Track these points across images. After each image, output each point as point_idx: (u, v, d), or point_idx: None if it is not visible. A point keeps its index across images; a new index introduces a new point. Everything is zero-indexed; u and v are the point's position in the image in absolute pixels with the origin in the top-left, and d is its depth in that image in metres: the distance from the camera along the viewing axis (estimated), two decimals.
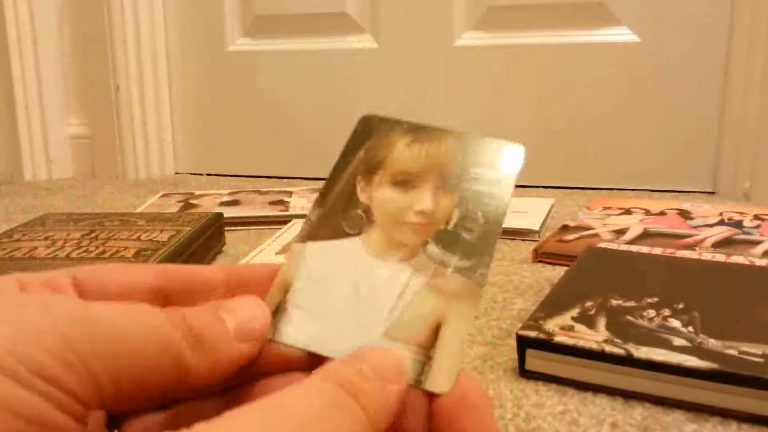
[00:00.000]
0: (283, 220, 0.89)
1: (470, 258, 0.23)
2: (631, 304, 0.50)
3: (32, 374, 0.16)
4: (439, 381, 0.21)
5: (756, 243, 0.71)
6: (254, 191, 1.08)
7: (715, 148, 1.09)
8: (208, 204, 0.98)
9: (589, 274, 0.57)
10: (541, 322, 0.48)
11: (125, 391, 0.18)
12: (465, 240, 0.24)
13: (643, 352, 0.43)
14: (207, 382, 0.20)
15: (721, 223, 0.79)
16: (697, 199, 1.01)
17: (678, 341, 0.44)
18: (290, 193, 1.04)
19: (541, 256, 0.73)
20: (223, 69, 1.31)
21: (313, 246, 0.25)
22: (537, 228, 0.83)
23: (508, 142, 0.25)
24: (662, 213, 0.84)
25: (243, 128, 1.32)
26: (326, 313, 0.23)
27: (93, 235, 0.69)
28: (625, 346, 0.44)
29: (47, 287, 0.21)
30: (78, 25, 1.32)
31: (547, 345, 0.46)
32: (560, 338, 0.45)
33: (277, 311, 0.24)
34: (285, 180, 1.26)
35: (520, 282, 0.66)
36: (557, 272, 0.67)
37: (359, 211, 0.25)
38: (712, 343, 0.44)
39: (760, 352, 0.42)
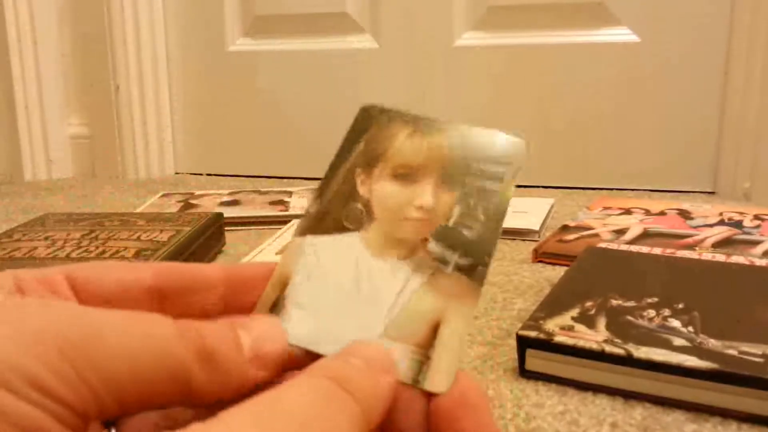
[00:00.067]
0: (283, 220, 0.89)
1: (470, 256, 0.23)
2: (631, 304, 0.50)
3: (27, 385, 0.16)
4: (437, 380, 0.21)
5: (756, 243, 0.71)
6: (254, 191, 1.08)
7: (715, 148, 1.09)
8: (208, 204, 0.98)
9: (589, 274, 0.57)
10: (541, 322, 0.48)
11: (126, 405, 0.18)
12: (465, 237, 0.23)
13: (643, 352, 0.43)
14: (215, 400, 0.19)
15: (721, 223, 0.79)
16: (697, 199, 1.01)
17: (678, 341, 0.44)
18: (290, 193, 1.04)
19: (541, 256, 0.73)
20: (223, 69, 1.31)
21: (312, 240, 0.25)
22: (537, 228, 0.83)
23: (511, 135, 0.24)
24: (662, 213, 0.84)
25: (243, 128, 1.32)
26: (324, 312, 0.23)
27: (93, 235, 0.69)
28: (625, 346, 0.44)
29: (42, 284, 0.21)
30: (78, 25, 1.32)
31: (547, 345, 0.46)
32: (560, 338, 0.45)
33: (275, 307, 0.23)
34: (285, 180, 1.26)
35: (520, 282, 0.66)
36: (557, 272, 0.67)
37: (359, 205, 0.25)
38: (712, 343, 0.44)
39: (760, 352, 0.42)
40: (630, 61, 1.10)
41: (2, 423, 0.16)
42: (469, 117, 1.19)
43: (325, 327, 0.23)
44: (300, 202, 0.99)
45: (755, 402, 0.40)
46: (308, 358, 0.22)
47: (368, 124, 0.26)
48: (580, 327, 0.47)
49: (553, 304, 0.51)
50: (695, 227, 0.77)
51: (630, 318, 0.48)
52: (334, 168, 0.25)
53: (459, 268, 0.23)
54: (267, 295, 0.24)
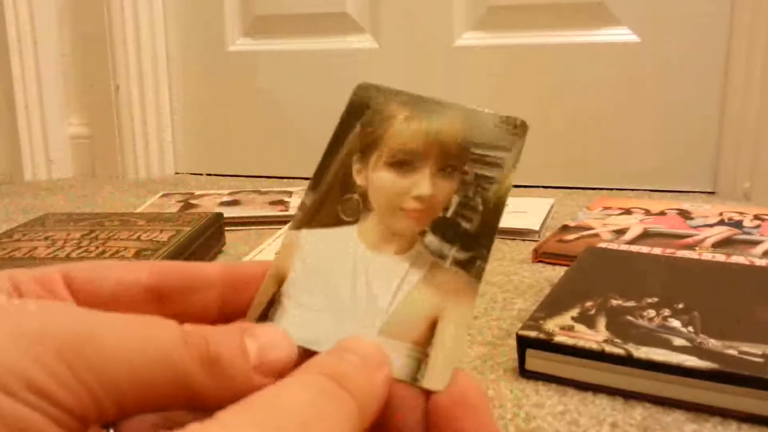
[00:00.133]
0: (283, 220, 0.89)
1: (468, 250, 0.23)
2: (631, 304, 0.50)
3: (24, 388, 0.16)
4: (435, 378, 0.21)
5: (756, 243, 0.71)
6: (254, 191, 1.08)
7: (715, 148, 1.09)
8: (208, 204, 0.98)
9: (589, 274, 0.57)
10: (541, 322, 0.48)
11: (125, 408, 0.18)
12: (464, 230, 0.23)
13: (643, 352, 0.43)
14: (218, 406, 0.19)
15: (721, 223, 0.79)
16: (697, 199, 1.01)
17: (678, 341, 0.44)
18: (290, 193, 1.04)
19: (541, 256, 0.73)
20: (223, 69, 1.31)
21: (307, 234, 0.24)
22: (537, 228, 0.83)
23: (511, 117, 0.24)
24: (662, 213, 0.84)
25: (243, 128, 1.32)
26: (321, 309, 0.23)
27: (93, 235, 0.69)
28: (625, 346, 0.44)
29: (39, 284, 0.21)
30: (78, 25, 1.32)
31: (547, 345, 0.46)
32: (560, 338, 0.45)
33: (272, 303, 0.23)
34: (285, 180, 1.26)
35: (520, 282, 0.66)
36: (557, 272, 0.67)
37: (356, 196, 0.24)
38: (712, 343, 0.44)
39: (760, 352, 0.42)
40: (630, 61, 1.10)
41: (0, 426, 0.15)
42: None
43: (320, 325, 0.23)
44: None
45: (755, 402, 0.40)
46: (304, 354, 0.22)
47: (365, 105, 0.25)
48: (580, 327, 0.47)
49: (553, 304, 0.51)
50: (695, 227, 0.77)
51: (630, 318, 0.48)
52: (329, 154, 0.25)
53: (457, 263, 0.23)
54: (263, 291, 0.23)
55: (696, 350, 0.43)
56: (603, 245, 0.66)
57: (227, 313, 0.24)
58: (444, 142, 0.24)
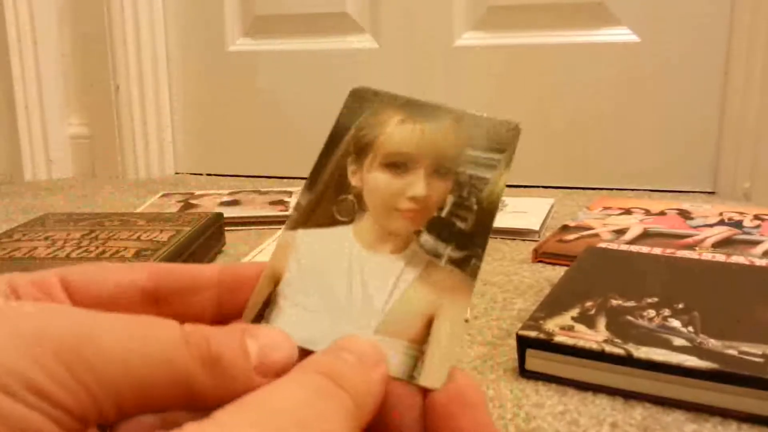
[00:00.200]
0: (283, 220, 0.89)
1: (464, 249, 0.23)
2: (631, 304, 0.50)
3: (23, 389, 0.16)
4: (431, 376, 0.21)
5: (756, 243, 0.71)
6: (254, 191, 1.08)
7: (715, 148, 1.09)
8: (208, 204, 0.98)
9: (589, 274, 0.57)
10: (541, 322, 0.48)
11: (125, 409, 0.18)
12: (459, 229, 0.23)
13: (643, 352, 0.43)
14: (218, 406, 0.19)
15: (721, 223, 0.79)
16: (697, 199, 1.01)
17: (678, 341, 0.44)
18: (290, 193, 1.04)
19: (541, 256, 0.73)
20: (223, 69, 1.31)
21: (303, 234, 0.24)
22: (537, 228, 0.83)
23: (504, 120, 0.24)
24: (662, 213, 0.84)
25: (243, 128, 1.32)
26: (317, 308, 0.23)
27: (93, 235, 0.69)
28: (625, 346, 0.44)
29: (37, 287, 0.21)
30: (78, 25, 1.32)
31: (547, 345, 0.46)
32: (560, 338, 0.45)
33: (268, 304, 0.23)
34: (285, 180, 1.26)
35: (520, 282, 0.66)
36: (557, 272, 0.67)
37: (350, 197, 0.24)
38: (712, 343, 0.44)
39: (760, 352, 0.42)
40: (630, 61, 1.10)
41: (0, 426, 0.15)
42: None
43: (316, 324, 0.23)
44: None
45: (755, 402, 0.40)
46: (301, 354, 0.22)
47: (360, 109, 0.25)
48: (580, 327, 0.47)
49: (553, 304, 0.51)
50: (695, 227, 0.77)
51: (630, 318, 0.48)
52: (324, 155, 0.25)
53: (452, 261, 0.23)
54: (259, 292, 0.23)
55: (696, 350, 0.43)
56: (603, 245, 0.66)
57: (224, 314, 0.24)
58: (438, 144, 0.24)
